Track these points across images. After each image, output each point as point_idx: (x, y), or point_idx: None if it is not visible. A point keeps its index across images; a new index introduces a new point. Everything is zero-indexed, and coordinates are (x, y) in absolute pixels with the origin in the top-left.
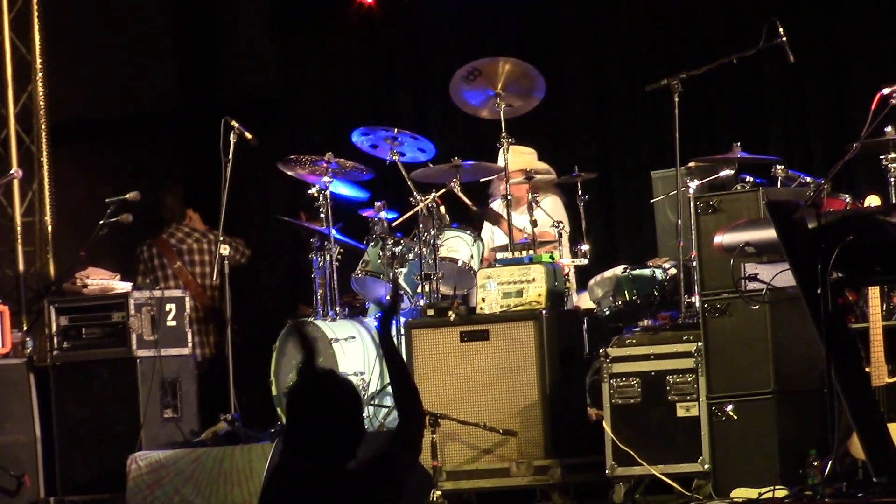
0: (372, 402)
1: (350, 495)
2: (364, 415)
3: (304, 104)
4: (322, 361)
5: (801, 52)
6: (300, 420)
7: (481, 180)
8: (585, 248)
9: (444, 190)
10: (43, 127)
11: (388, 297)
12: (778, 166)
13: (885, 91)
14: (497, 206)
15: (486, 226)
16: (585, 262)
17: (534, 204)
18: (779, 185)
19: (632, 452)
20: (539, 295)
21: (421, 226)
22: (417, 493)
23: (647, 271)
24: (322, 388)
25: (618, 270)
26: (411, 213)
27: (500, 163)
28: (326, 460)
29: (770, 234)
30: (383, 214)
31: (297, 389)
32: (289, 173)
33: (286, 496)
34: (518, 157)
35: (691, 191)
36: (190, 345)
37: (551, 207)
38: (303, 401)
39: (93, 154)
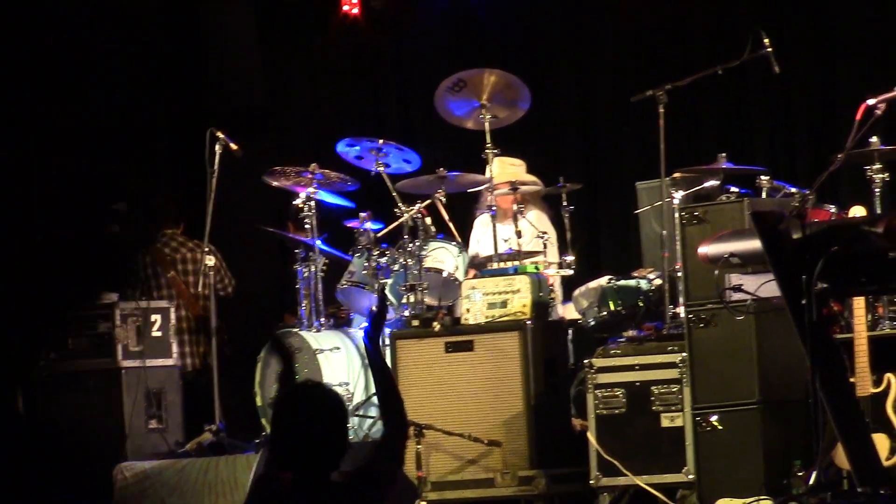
0: (357, 413)
1: None
2: (349, 426)
3: (290, 115)
4: (307, 372)
5: (786, 62)
6: (285, 431)
7: (469, 191)
8: (570, 258)
9: (429, 201)
10: None
11: (374, 308)
12: (763, 177)
13: (870, 101)
14: (483, 217)
15: (473, 235)
16: (570, 272)
17: (519, 215)
18: (764, 196)
19: (616, 463)
20: (524, 306)
21: (406, 236)
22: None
23: (631, 282)
24: (308, 400)
25: (603, 281)
26: (396, 223)
27: (502, 172)
28: (310, 471)
29: (755, 244)
30: (368, 225)
31: (283, 400)
32: (274, 184)
33: None
34: (506, 169)
35: (676, 201)
36: (175, 355)
37: (537, 219)
38: (288, 411)
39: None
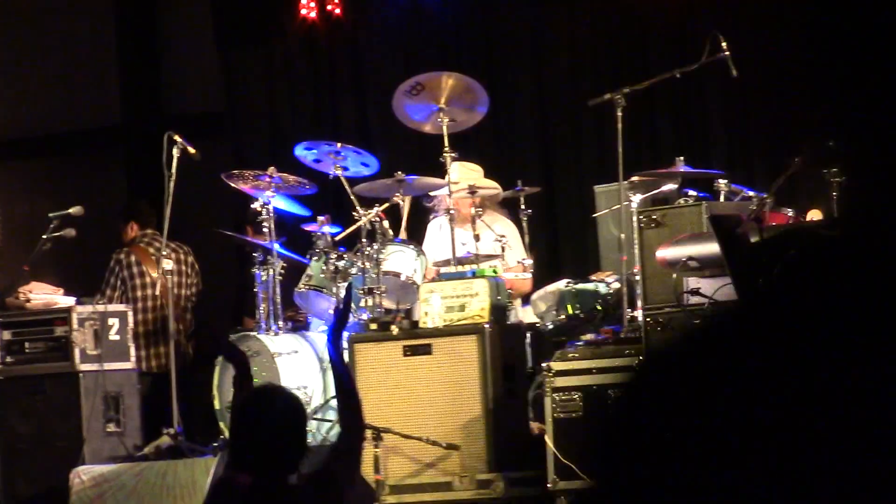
0: (315, 416)
1: None
2: (308, 429)
3: (248, 119)
4: (265, 376)
5: (744, 66)
6: (245, 433)
7: (430, 194)
8: (529, 262)
9: (387, 204)
10: None
11: (337, 309)
12: (721, 180)
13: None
14: (441, 221)
15: (428, 239)
16: (528, 276)
17: (477, 219)
18: (722, 200)
19: (573, 467)
20: (482, 309)
21: (364, 240)
22: None
23: (590, 285)
24: (267, 402)
25: (561, 285)
26: (354, 227)
27: (461, 177)
28: (269, 474)
29: (713, 248)
30: (326, 229)
31: (243, 403)
32: (232, 187)
33: None
34: (464, 173)
35: (634, 205)
36: (133, 359)
37: (495, 223)
38: (248, 414)
39: (37, 169)
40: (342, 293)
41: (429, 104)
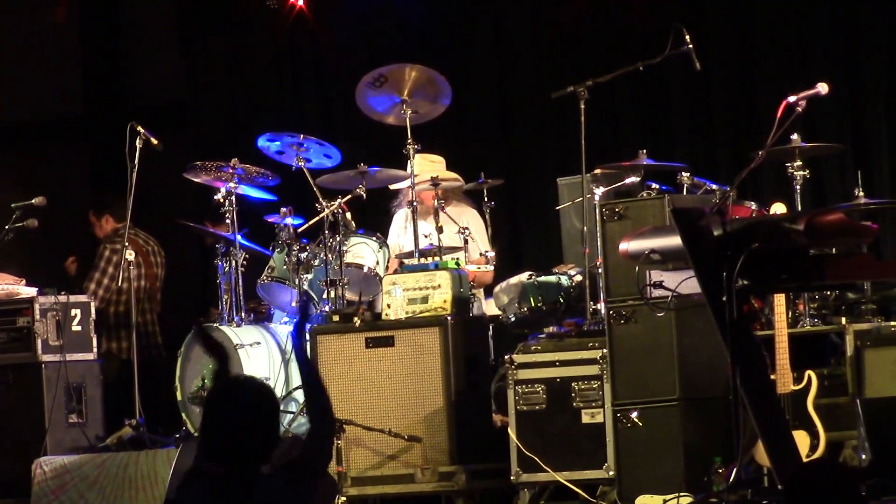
0: None
1: (261, 499)
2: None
3: (210, 110)
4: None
5: (708, 59)
6: (216, 423)
7: (391, 187)
8: (491, 254)
9: (349, 196)
10: None
11: (297, 308)
12: (684, 173)
13: (791, 99)
14: (403, 213)
15: (392, 230)
16: (491, 268)
17: (440, 211)
18: (684, 193)
19: (537, 459)
20: (444, 301)
21: (326, 232)
22: (323, 499)
23: (552, 278)
24: (239, 392)
25: (523, 277)
26: (317, 219)
27: (424, 170)
28: (241, 463)
29: (675, 241)
30: (289, 220)
31: (215, 393)
32: (195, 179)
33: (198, 499)
34: (427, 165)
35: (597, 198)
36: (95, 350)
37: (457, 215)
38: (219, 404)
39: None
40: (305, 285)
41: (392, 95)
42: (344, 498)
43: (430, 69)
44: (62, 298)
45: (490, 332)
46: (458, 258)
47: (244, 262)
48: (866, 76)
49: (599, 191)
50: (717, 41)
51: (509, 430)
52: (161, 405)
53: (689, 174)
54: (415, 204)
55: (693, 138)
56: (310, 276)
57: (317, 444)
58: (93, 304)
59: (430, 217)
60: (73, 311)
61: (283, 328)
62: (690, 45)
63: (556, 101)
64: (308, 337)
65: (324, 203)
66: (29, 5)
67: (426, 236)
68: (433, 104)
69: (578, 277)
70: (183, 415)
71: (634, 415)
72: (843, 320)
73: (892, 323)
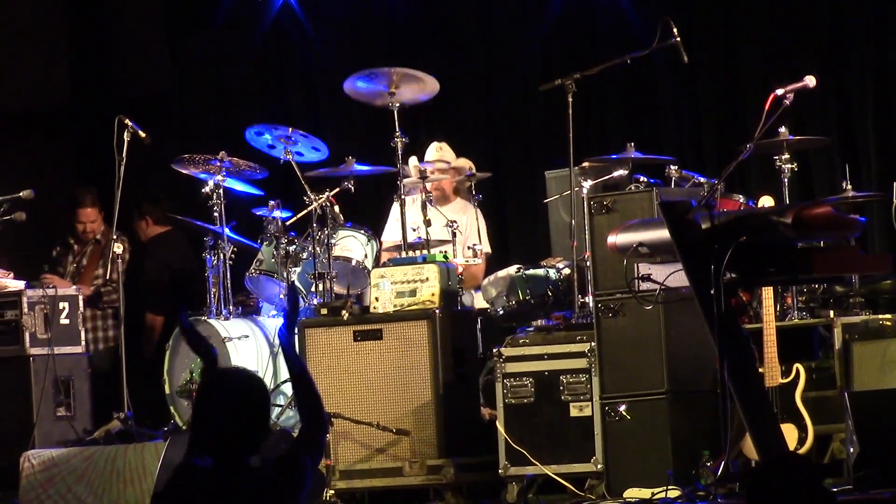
0: None
1: (251, 491)
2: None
3: (198, 103)
4: None
5: (695, 52)
6: (206, 415)
7: (406, 181)
8: (480, 247)
9: (337, 189)
10: None
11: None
12: (672, 166)
13: (779, 92)
14: (411, 200)
15: (389, 221)
16: (479, 261)
17: (428, 203)
18: (672, 186)
19: (525, 452)
20: (432, 294)
21: (315, 225)
22: (311, 493)
23: (540, 271)
24: (229, 384)
25: (511, 270)
26: (305, 212)
27: (428, 157)
28: (231, 455)
29: (663, 234)
30: (277, 213)
31: (204, 385)
32: (182, 172)
33: (188, 492)
34: (436, 153)
35: (585, 191)
36: (83, 343)
37: (461, 207)
38: (209, 396)
39: None
40: (293, 278)
41: (379, 88)
42: (332, 491)
43: (417, 72)
44: (50, 292)
45: (478, 326)
46: (445, 251)
47: (232, 255)
48: (853, 69)
49: (587, 184)
50: (704, 34)
51: (497, 423)
52: (145, 399)
53: (677, 167)
54: (403, 197)
55: (681, 131)
56: (298, 270)
57: (308, 441)
58: (80, 297)
59: (448, 203)
60: (61, 305)
61: (272, 321)
62: (678, 38)
63: (543, 94)
64: (297, 330)
65: (312, 196)
66: None
67: (414, 230)
68: (421, 95)
69: (566, 271)
70: (171, 408)
71: (622, 408)
72: (831, 313)
73: (880, 316)
